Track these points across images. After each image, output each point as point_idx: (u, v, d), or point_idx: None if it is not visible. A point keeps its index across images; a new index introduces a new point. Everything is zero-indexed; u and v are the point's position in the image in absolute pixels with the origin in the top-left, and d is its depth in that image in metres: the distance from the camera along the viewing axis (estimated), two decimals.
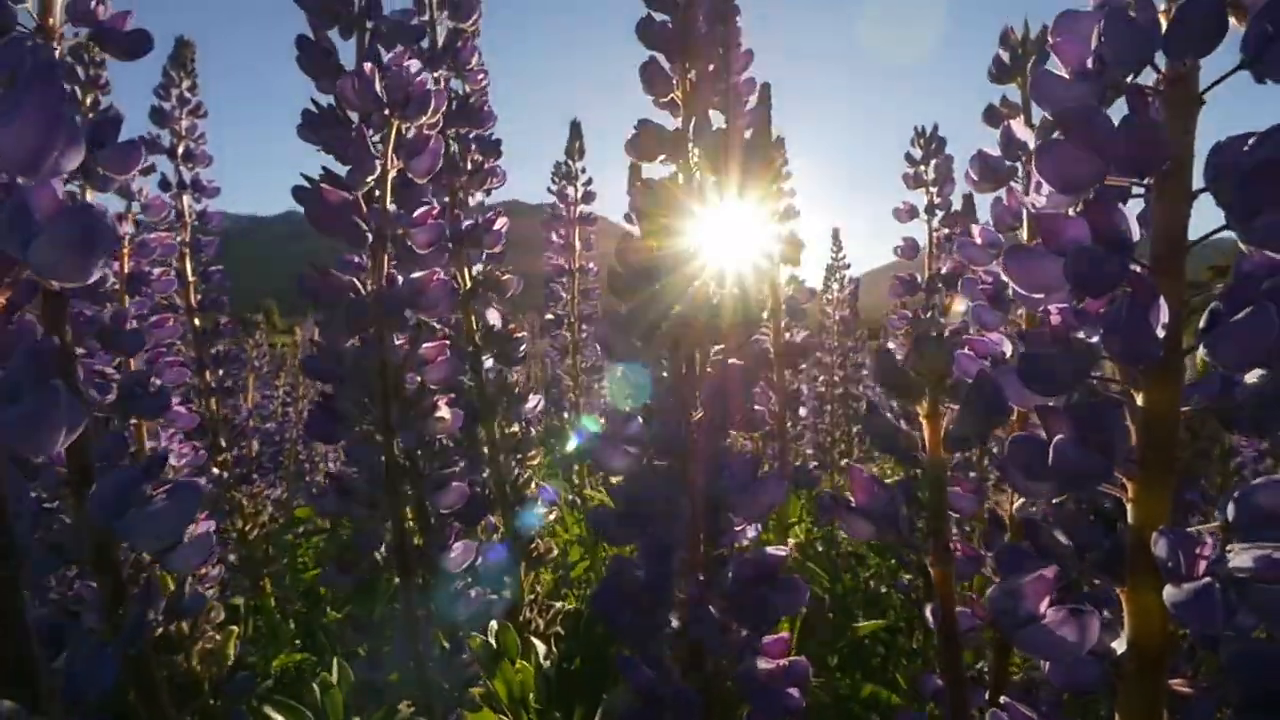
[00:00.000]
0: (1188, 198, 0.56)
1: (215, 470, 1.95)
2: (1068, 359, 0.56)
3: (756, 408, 1.03)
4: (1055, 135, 0.57)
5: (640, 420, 0.64)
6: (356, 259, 0.95)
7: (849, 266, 3.35)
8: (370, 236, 0.83)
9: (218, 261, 1.94)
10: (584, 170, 2.40)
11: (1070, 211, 0.63)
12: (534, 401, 1.36)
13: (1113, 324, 0.51)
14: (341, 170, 0.92)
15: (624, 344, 0.62)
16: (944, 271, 1.66)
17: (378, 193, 0.87)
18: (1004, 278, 0.62)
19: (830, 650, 1.65)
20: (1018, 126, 0.89)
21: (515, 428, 1.35)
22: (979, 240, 0.95)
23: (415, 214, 0.87)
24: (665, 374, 0.63)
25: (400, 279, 0.88)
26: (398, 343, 0.90)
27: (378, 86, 0.84)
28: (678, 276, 0.63)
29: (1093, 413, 0.54)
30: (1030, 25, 1.00)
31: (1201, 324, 0.52)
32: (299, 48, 1.03)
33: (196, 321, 1.92)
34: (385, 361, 0.87)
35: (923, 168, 1.68)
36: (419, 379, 0.91)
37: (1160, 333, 0.53)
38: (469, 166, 1.28)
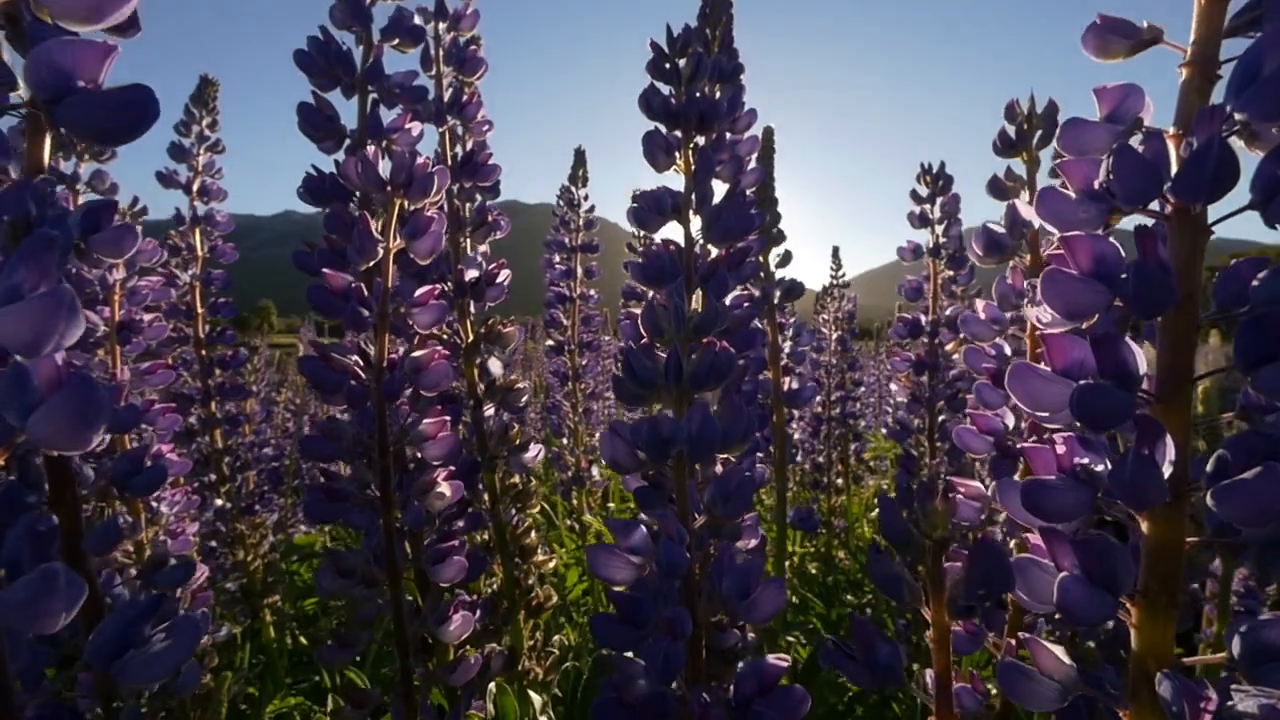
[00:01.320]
0: (1194, 329, 0.55)
1: (219, 501, 1.95)
2: (1074, 489, 0.56)
3: (759, 466, 1.02)
4: (1061, 267, 0.57)
5: (643, 530, 0.64)
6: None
7: (848, 285, 3.34)
8: (373, 321, 0.83)
9: (227, 293, 1.94)
10: (586, 198, 2.40)
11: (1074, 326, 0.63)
12: (534, 451, 1.35)
13: (1119, 470, 0.51)
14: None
15: (628, 456, 0.62)
16: (948, 314, 1.65)
17: (379, 271, 0.86)
18: (1009, 392, 0.61)
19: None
20: (1022, 206, 0.89)
21: (516, 478, 1.35)
22: (983, 315, 0.94)
23: (417, 294, 0.87)
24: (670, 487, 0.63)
25: (401, 356, 0.88)
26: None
27: (381, 168, 0.83)
28: (682, 386, 0.63)
29: (1099, 549, 0.54)
30: (1035, 97, 0.99)
31: (1209, 468, 0.52)
32: (301, 114, 1.03)
33: (203, 353, 1.92)
34: (385, 440, 0.87)
35: (928, 206, 1.66)
36: (419, 455, 0.91)
37: (1167, 470, 0.53)
38: (472, 219, 1.28)
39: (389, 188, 0.85)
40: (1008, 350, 0.96)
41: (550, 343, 2.47)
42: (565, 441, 2.49)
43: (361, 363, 0.87)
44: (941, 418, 1.65)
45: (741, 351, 1.01)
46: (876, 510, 3.78)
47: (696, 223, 1.02)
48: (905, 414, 1.66)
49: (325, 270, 0.81)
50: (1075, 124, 0.63)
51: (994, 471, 0.90)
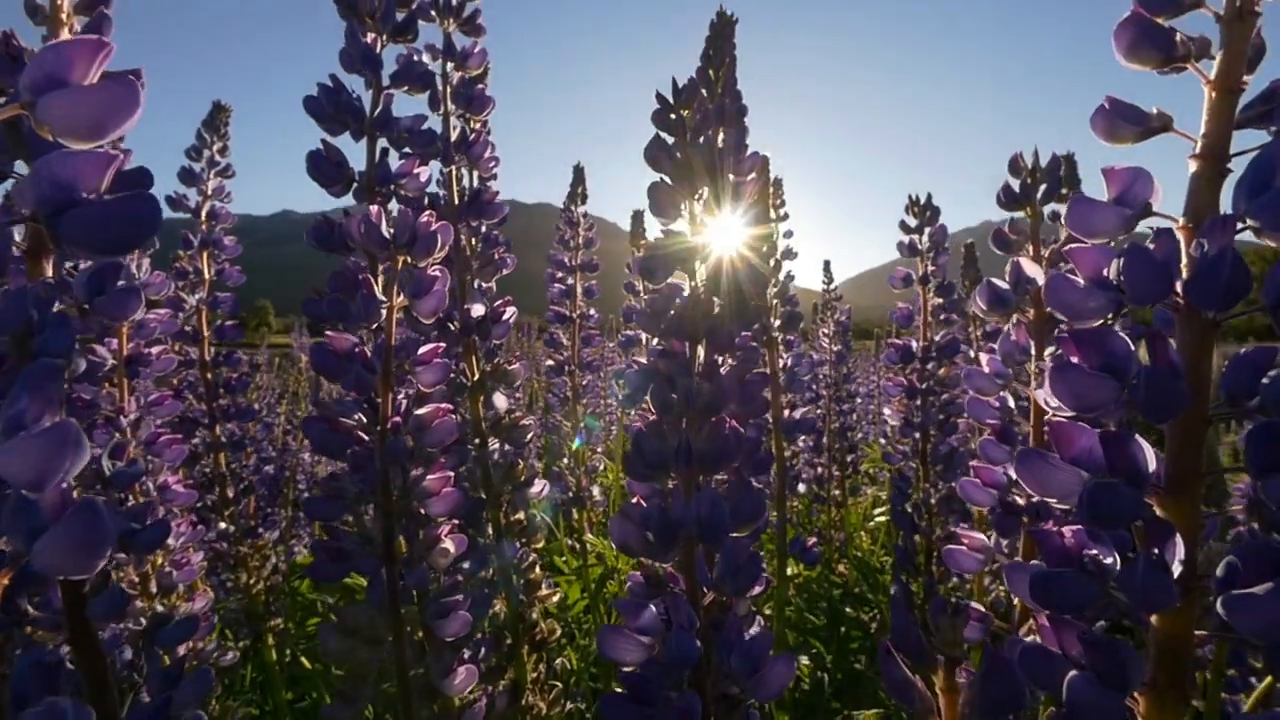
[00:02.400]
0: (1204, 424, 0.55)
1: (221, 525, 1.95)
2: (1083, 583, 0.56)
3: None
4: (1070, 357, 0.56)
5: (653, 610, 0.64)
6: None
7: (840, 298, 3.34)
8: (377, 383, 0.83)
9: (233, 317, 1.94)
10: (585, 215, 2.39)
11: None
12: (539, 486, 1.35)
13: (1130, 576, 0.51)
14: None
15: (638, 540, 0.62)
16: (939, 340, 1.65)
17: (383, 328, 0.86)
18: (1016, 477, 0.61)
19: None
20: (1027, 264, 0.88)
21: (520, 514, 1.35)
22: (987, 369, 0.94)
23: (421, 352, 0.86)
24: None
25: (405, 411, 0.88)
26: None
27: (384, 229, 0.83)
28: (692, 469, 0.63)
29: (1109, 648, 0.53)
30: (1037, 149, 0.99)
31: (1219, 573, 0.51)
32: (310, 162, 1.03)
33: (208, 376, 1.92)
34: (389, 499, 0.86)
35: (917, 237, 1.66)
36: (423, 510, 0.91)
37: (1177, 569, 0.53)
38: (478, 256, 1.28)
39: (392, 247, 0.84)
40: (1011, 403, 0.95)
41: (550, 363, 2.47)
42: (566, 461, 2.48)
43: (365, 420, 0.87)
44: (934, 440, 1.66)
45: (746, 401, 1.01)
46: (874, 520, 3.79)
47: (702, 272, 1.02)
48: (899, 437, 1.67)
49: (329, 333, 0.81)
50: (1083, 203, 0.63)
51: (998, 529, 0.90)
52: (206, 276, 1.89)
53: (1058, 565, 0.59)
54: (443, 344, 0.88)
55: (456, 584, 0.97)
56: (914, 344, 1.65)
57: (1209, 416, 0.55)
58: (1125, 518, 0.53)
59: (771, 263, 1.58)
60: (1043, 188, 0.94)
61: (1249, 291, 0.49)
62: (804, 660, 2.13)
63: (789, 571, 2.50)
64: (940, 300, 1.65)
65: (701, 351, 0.97)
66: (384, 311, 0.83)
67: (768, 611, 2.08)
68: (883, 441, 4.51)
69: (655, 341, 1.00)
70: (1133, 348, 0.55)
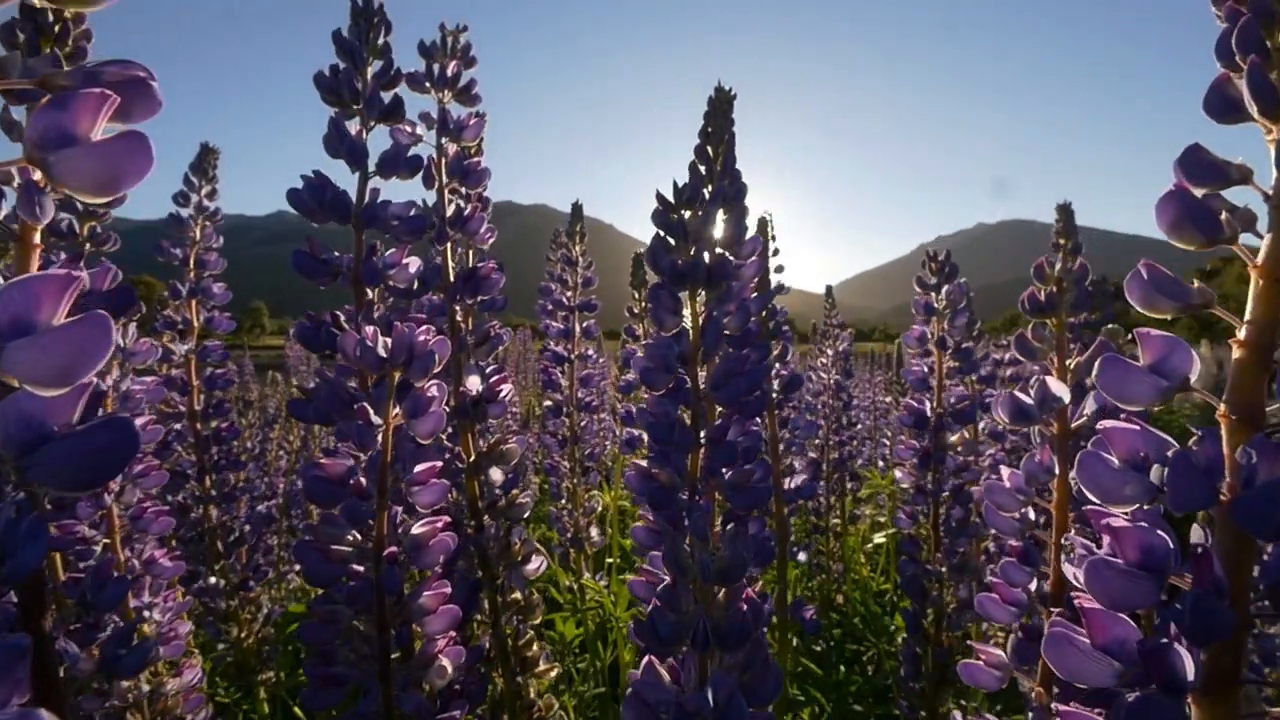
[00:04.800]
0: (1246, 628, 0.52)
1: (212, 579, 1.91)
2: None
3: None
4: (1106, 552, 0.54)
5: None
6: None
7: (843, 326, 3.29)
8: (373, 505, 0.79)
9: (222, 365, 1.90)
10: (584, 254, 2.35)
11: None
12: (536, 563, 1.32)
13: None
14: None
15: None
16: (953, 402, 1.61)
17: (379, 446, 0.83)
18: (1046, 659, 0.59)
19: None
20: (1053, 383, 0.85)
21: (517, 594, 1.31)
22: (1008, 484, 0.91)
23: (417, 471, 0.83)
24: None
25: (401, 533, 0.85)
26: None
27: (380, 349, 0.79)
28: (709, 650, 0.60)
29: None
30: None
31: None
32: (295, 260, 0.99)
33: (198, 426, 1.88)
34: (385, 621, 0.83)
35: (934, 295, 1.62)
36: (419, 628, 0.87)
37: None
38: (473, 332, 1.24)
39: (388, 365, 0.81)
40: (1032, 516, 0.93)
41: (548, 403, 2.42)
42: (563, 503, 2.44)
43: (359, 538, 0.84)
44: (946, 506, 1.62)
45: (749, 508, 0.97)
46: (873, 542, 3.76)
47: (704, 372, 0.99)
48: (910, 506, 1.63)
49: (323, 459, 0.78)
50: (1117, 366, 0.60)
51: (1018, 655, 0.87)
52: (195, 325, 1.84)
53: None
54: (439, 463, 0.84)
55: (454, 695, 0.94)
56: (928, 406, 1.61)
57: (1250, 619, 0.52)
58: None
59: (771, 326, 1.55)
60: (1068, 298, 0.90)
61: None
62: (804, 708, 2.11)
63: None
64: (956, 364, 1.60)
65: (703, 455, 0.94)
66: (379, 436, 0.80)
67: None
68: (881, 464, 4.48)
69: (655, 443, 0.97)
70: (1172, 546, 0.52)
